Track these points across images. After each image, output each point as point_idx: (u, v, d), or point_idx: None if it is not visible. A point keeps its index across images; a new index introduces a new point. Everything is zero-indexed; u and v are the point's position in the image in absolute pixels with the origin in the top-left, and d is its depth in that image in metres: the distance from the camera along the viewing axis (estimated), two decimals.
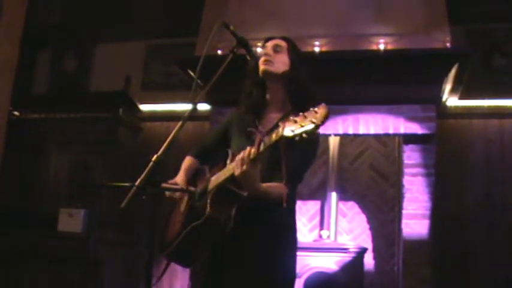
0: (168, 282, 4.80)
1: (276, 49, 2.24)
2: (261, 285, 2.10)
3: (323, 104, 1.68)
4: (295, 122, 1.69)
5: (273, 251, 2.12)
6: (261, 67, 2.23)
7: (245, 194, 2.01)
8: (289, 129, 1.70)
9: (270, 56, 2.22)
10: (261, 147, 1.84)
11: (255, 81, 2.29)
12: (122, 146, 5.05)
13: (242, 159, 1.88)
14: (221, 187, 2.04)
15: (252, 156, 1.87)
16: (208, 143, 2.46)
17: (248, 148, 1.89)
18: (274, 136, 1.78)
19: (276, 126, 1.82)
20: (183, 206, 2.26)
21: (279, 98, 2.24)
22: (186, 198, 2.27)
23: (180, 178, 2.30)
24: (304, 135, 1.67)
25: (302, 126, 1.67)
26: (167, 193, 2.23)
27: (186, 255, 2.15)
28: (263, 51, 2.25)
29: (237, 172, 1.89)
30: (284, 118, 1.92)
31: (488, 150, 4.61)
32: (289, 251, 2.19)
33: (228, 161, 2.08)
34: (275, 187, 2.02)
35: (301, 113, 1.70)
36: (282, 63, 2.23)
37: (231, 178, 1.97)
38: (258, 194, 1.96)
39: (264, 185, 1.98)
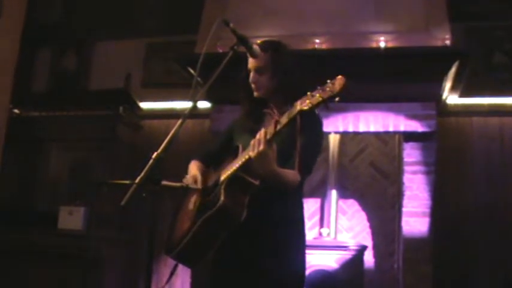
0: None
1: (260, 71, 2.22)
2: (270, 280, 2.09)
3: (340, 76, 1.69)
4: (313, 96, 1.71)
5: (281, 244, 2.12)
6: (255, 93, 2.25)
7: (257, 183, 2.00)
8: (307, 103, 1.72)
9: (257, 83, 2.23)
10: (278, 126, 1.84)
11: (247, 95, 2.29)
12: (122, 144, 5.05)
13: (258, 140, 1.87)
14: (234, 176, 2.04)
15: (268, 136, 1.86)
16: (213, 148, 2.47)
17: (263, 130, 1.88)
18: (292, 112, 1.78)
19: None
20: (191, 205, 2.25)
21: (277, 103, 2.23)
22: (194, 197, 2.27)
23: (193, 172, 2.30)
24: (322, 104, 1.69)
25: (321, 97, 1.69)
26: (188, 182, 2.23)
27: (195, 254, 2.11)
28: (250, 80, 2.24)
29: (253, 153, 1.87)
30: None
31: (489, 148, 4.60)
32: (298, 245, 2.18)
33: (239, 154, 2.07)
34: (289, 172, 2.03)
35: (318, 87, 1.71)
36: (270, 81, 2.22)
37: (245, 166, 1.97)
38: (273, 176, 1.94)
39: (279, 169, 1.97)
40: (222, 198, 1.99)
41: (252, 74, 2.24)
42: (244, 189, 2.03)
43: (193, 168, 2.34)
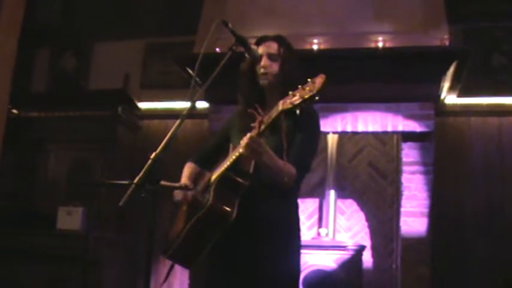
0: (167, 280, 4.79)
1: (272, 58, 2.23)
2: (265, 281, 2.09)
3: (321, 74, 1.71)
4: (294, 95, 1.74)
5: (276, 246, 2.12)
6: (262, 81, 2.23)
7: (247, 183, 2.02)
8: (288, 102, 1.74)
9: (268, 68, 2.22)
10: (262, 127, 1.86)
11: (250, 83, 2.29)
12: (120, 144, 5.05)
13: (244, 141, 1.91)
14: (223, 177, 2.05)
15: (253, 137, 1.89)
16: (209, 147, 2.48)
17: (249, 134, 1.91)
18: (274, 112, 1.81)
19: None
20: (185, 205, 2.25)
21: (276, 96, 2.23)
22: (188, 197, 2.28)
23: (183, 180, 2.31)
24: (303, 104, 1.72)
25: (301, 97, 1.71)
26: (176, 196, 2.23)
27: (188, 254, 2.12)
28: (260, 64, 2.23)
29: (242, 150, 1.90)
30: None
31: (487, 148, 4.61)
32: (293, 246, 2.19)
33: (229, 154, 2.09)
34: (286, 163, 2.01)
35: (299, 86, 1.73)
36: (279, 69, 2.22)
37: (234, 165, 1.99)
38: (268, 161, 1.95)
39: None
40: (210, 199, 2.00)
41: (264, 59, 2.22)
42: (233, 190, 2.04)
43: (185, 175, 2.35)
